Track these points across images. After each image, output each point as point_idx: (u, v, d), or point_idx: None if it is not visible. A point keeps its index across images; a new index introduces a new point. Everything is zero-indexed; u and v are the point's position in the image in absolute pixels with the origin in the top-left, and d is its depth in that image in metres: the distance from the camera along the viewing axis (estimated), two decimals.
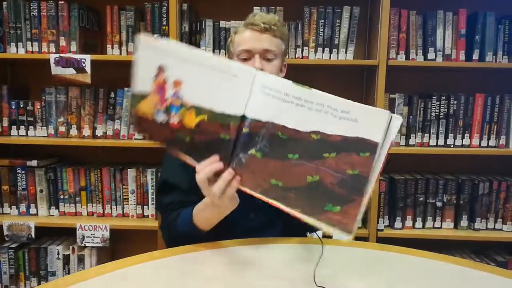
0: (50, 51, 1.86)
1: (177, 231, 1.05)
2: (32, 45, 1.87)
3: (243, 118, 0.75)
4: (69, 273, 1.92)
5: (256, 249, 1.00)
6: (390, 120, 0.66)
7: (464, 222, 1.92)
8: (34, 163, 1.91)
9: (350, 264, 0.94)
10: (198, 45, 1.89)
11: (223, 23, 1.88)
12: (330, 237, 1.75)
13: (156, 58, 0.80)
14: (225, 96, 0.77)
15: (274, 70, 1.14)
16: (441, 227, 1.93)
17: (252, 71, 0.76)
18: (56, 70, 1.80)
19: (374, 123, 0.66)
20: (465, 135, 1.89)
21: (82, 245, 1.87)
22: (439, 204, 1.92)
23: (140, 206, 1.94)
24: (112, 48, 1.88)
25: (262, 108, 0.74)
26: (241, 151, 0.77)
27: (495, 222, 1.91)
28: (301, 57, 1.88)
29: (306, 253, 0.98)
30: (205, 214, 0.98)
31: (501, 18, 1.85)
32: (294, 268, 0.90)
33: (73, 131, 1.92)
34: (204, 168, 0.81)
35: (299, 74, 2.02)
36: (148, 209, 1.94)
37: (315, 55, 1.87)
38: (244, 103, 0.75)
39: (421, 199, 1.92)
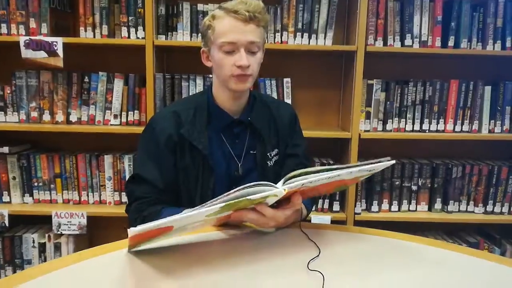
0: (19, 33, 1.79)
1: None
2: (0, 27, 1.78)
3: None
4: (45, 261, 1.88)
5: (247, 234, 1.00)
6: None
7: (438, 205, 1.98)
8: (5, 149, 1.85)
9: (334, 249, 0.95)
10: (175, 29, 1.85)
11: (200, 6, 1.84)
12: (309, 221, 1.78)
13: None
14: None
15: (257, 64, 1.12)
16: (416, 210, 1.98)
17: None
18: (26, 53, 1.73)
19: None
20: (440, 120, 1.93)
21: (59, 233, 1.84)
22: (414, 187, 1.96)
23: (117, 192, 1.91)
24: (86, 30, 1.82)
25: None
26: None
27: (467, 204, 1.98)
28: (280, 42, 1.87)
29: (298, 239, 0.99)
30: None
31: (476, 5, 1.88)
32: (286, 254, 0.90)
33: (46, 117, 1.86)
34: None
35: (278, 59, 2.02)
36: (125, 195, 1.91)
37: (294, 40, 1.86)
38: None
39: (397, 183, 1.96)
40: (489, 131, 1.94)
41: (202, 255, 0.88)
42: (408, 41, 1.87)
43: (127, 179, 1.82)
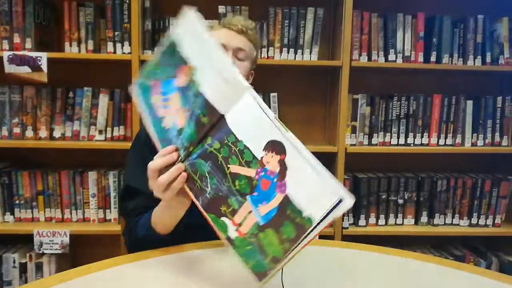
0: (3, 48, 1.76)
1: (137, 236, 1.03)
2: None
3: (219, 118, 0.74)
4: (26, 282, 1.82)
5: (220, 253, 0.99)
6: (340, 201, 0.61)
7: (424, 218, 1.99)
8: None
9: (317, 265, 0.94)
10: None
11: None
12: None
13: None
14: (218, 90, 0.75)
15: (243, 71, 1.14)
16: (402, 224, 1.99)
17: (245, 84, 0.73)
18: (9, 68, 1.71)
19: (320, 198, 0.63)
20: (424, 134, 1.96)
21: (40, 252, 1.79)
22: (400, 201, 1.98)
23: (102, 210, 1.88)
24: (71, 45, 1.80)
25: (241, 124, 0.72)
26: (198, 156, 0.77)
27: (453, 217, 2.00)
28: (266, 57, 1.88)
29: None
30: (160, 217, 0.95)
31: (456, 21, 1.93)
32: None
33: (29, 133, 1.83)
34: (158, 158, 0.82)
35: (264, 74, 2.03)
36: (110, 213, 1.88)
37: (280, 55, 1.88)
38: (229, 105, 0.73)
39: (383, 197, 1.97)
40: (472, 144, 1.97)
41: (171, 273, 0.87)
42: (391, 56, 1.91)
43: (118, 194, 1.78)
